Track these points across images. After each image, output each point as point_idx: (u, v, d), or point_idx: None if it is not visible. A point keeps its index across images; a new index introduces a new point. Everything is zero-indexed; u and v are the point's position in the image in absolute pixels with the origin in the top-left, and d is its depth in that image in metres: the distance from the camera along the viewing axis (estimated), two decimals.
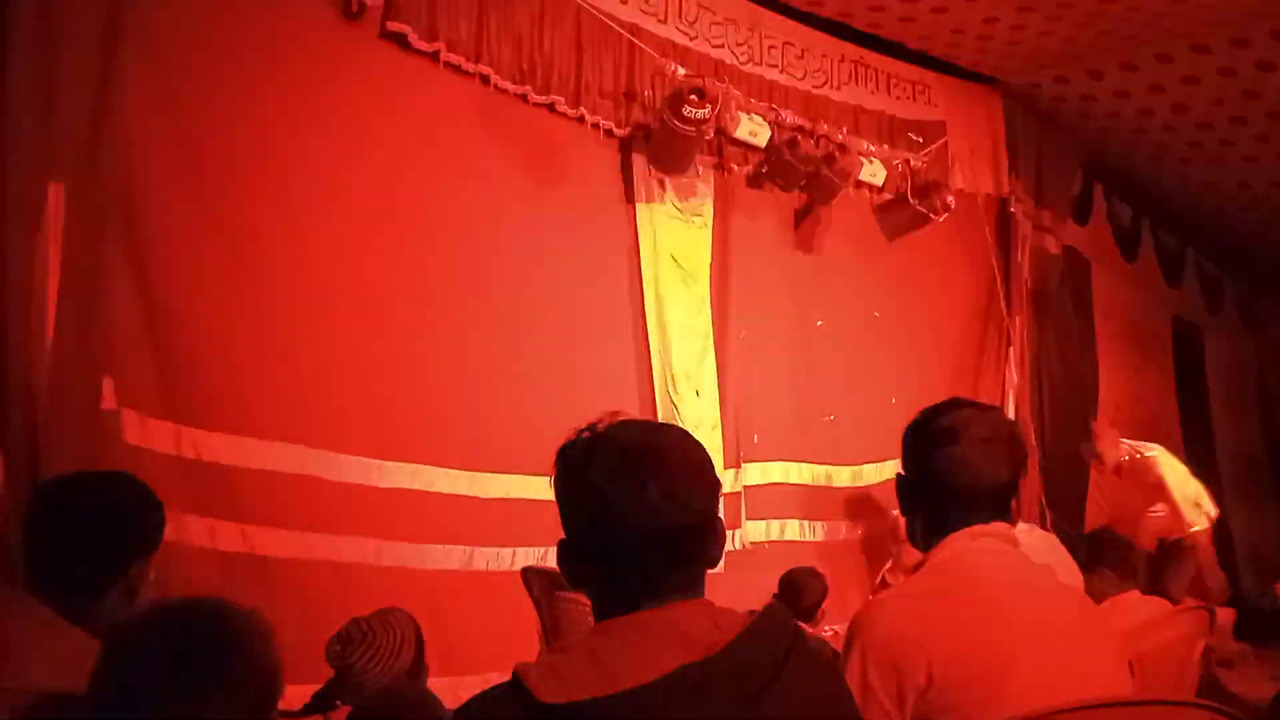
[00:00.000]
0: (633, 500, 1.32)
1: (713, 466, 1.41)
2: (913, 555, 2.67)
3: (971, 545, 1.86)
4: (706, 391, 5.64)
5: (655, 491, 1.32)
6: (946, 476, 1.88)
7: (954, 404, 1.98)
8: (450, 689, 4.13)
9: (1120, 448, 6.84)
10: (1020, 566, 1.87)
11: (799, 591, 4.63)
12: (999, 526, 1.88)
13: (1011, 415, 6.94)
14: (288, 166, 4.18)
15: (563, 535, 1.40)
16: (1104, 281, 8.50)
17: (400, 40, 4.45)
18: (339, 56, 4.35)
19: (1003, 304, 7.16)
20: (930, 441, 1.93)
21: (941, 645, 1.69)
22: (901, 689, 1.68)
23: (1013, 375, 7.22)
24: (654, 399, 5.42)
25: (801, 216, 6.23)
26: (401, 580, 4.26)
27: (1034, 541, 2.72)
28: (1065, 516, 6.93)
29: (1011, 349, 7.23)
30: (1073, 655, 1.75)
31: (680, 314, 5.58)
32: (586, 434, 1.40)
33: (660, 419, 5.15)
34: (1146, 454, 6.75)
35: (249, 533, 3.95)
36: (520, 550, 4.63)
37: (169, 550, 2.17)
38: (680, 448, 1.38)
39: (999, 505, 1.90)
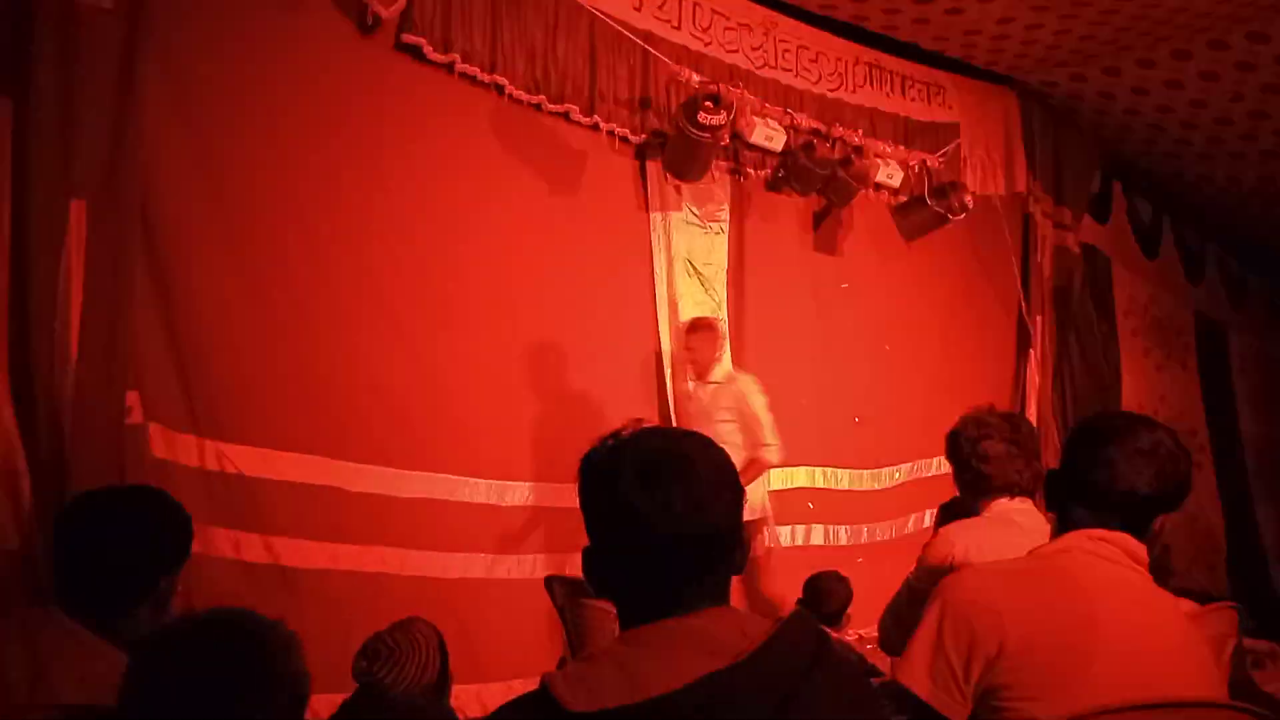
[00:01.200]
0: (658, 508, 1.32)
1: (736, 473, 1.41)
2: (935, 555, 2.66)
3: (1085, 545, 1.83)
4: None
5: (680, 499, 1.32)
6: (1086, 475, 1.86)
7: (1127, 414, 2.00)
8: (475, 697, 4.16)
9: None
10: (1130, 579, 1.82)
11: (823, 596, 4.62)
12: (1123, 537, 1.83)
13: (1033, 415, 6.90)
14: (306, 180, 4.22)
15: (587, 543, 1.40)
16: (1125, 279, 8.44)
17: (415, 52, 4.47)
18: (355, 70, 4.38)
19: (1023, 304, 7.12)
20: (1084, 439, 1.91)
21: (1021, 621, 1.70)
22: (972, 653, 1.70)
23: (1034, 375, 7.18)
24: (668, 404, 5.42)
25: (819, 220, 6.22)
26: (424, 589, 4.27)
27: (1038, 525, 2.72)
28: None
29: (1032, 349, 7.20)
30: (1156, 659, 1.73)
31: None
32: (611, 442, 1.40)
33: (678, 425, 5.15)
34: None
35: (272, 544, 3.98)
36: (542, 558, 4.64)
37: (194, 562, 2.19)
38: (704, 455, 1.38)
39: (1133, 517, 1.85)
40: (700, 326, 5.09)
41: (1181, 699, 1.67)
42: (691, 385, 5.10)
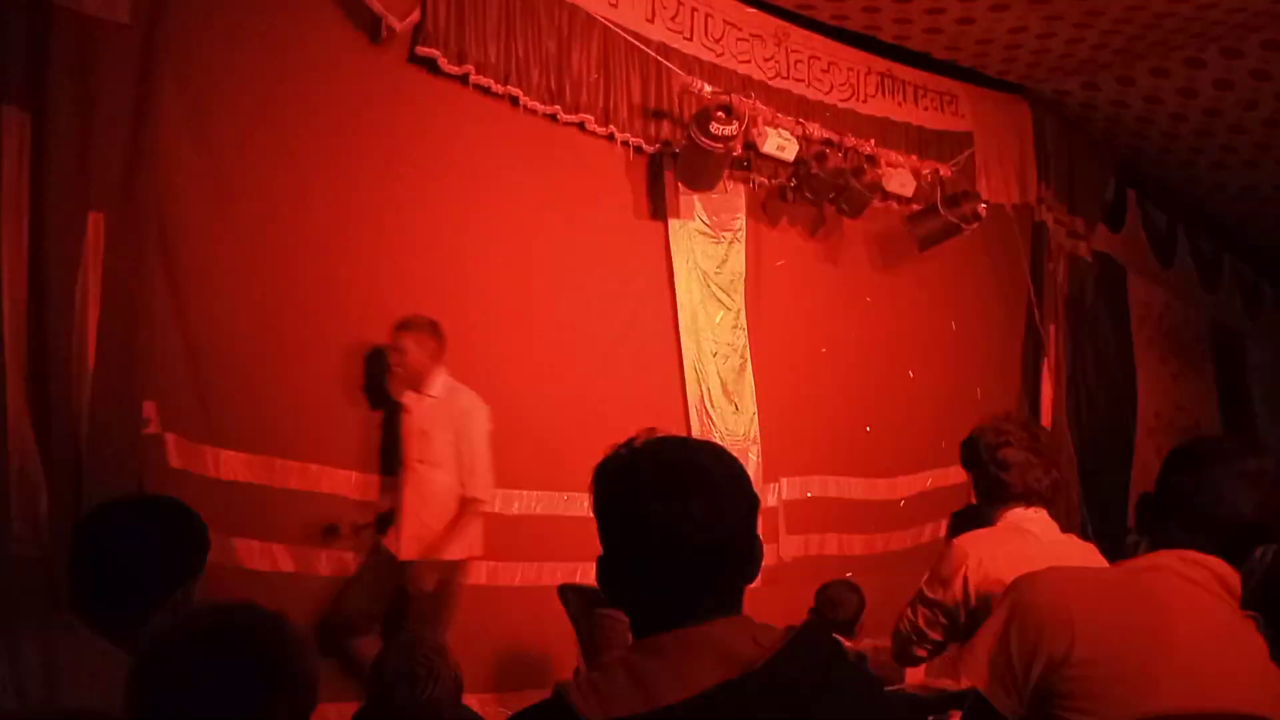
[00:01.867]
0: (676, 517, 1.32)
1: (750, 482, 1.41)
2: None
3: (1177, 566, 1.76)
4: (745, 406, 5.64)
5: (698, 508, 1.32)
6: (1187, 497, 1.81)
7: (1232, 437, 1.98)
8: (489, 706, 4.16)
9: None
10: (1216, 607, 1.74)
11: (836, 606, 4.61)
12: (1218, 562, 1.76)
13: (1046, 424, 6.87)
14: (321, 192, 4.25)
15: (601, 551, 1.41)
16: (1140, 287, 8.41)
17: (430, 64, 4.50)
18: (369, 82, 4.41)
19: (1036, 312, 7.10)
20: (1186, 461, 1.86)
21: (1093, 630, 1.67)
22: (1036, 653, 1.68)
23: (1047, 384, 7.16)
24: (687, 414, 5.42)
25: (831, 230, 6.22)
26: None
27: (1054, 534, 2.70)
28: (1106, 525, 6.85)
29: (1045, 358, 7.17)
30: (1227, 683, 1.68)
31: (714, 329, 5.60)
32: (625, 451, 1.40)
33: (696, 435, 5.15)
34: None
35: (286, 553, 4.00)
36: (546, 565, 4.64)
37: (210, 571, 2.20)
38: (720, 464, 1.39)
39: (1232, 543, 1.78)
40: (414, 325, 4.14)
41: (1239, 711, 1.65)
42: (408, 398, 4.19)
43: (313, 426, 4.17)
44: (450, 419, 4.12)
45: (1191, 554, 1.76)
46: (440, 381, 4.17)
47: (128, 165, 3.60)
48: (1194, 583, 1.74)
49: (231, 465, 3.91)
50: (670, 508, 1.32)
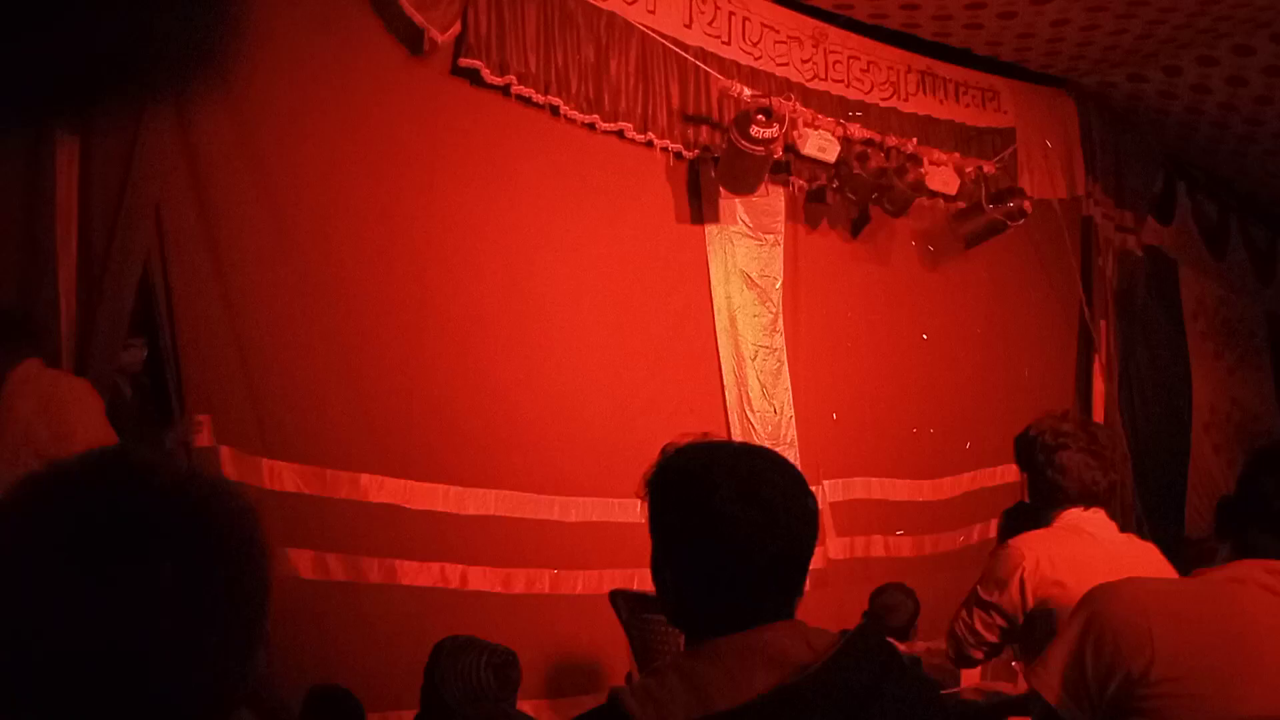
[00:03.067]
0: (757, 523, 1.32)
1: (810, 491, 1.41)
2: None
3: (1261, 578, 1.69)
4: (782, 408, 5.62)
5: (776, 514, 1.33)
6: (1268, 502, 1.74)
7: None
8: (544, 713, 4.18)
9: None
10: None
11: (891, 610, 4.56)
12: None
13: (1101, 422, 6.77)
14: (367, 205, 4.30)
15: (651, 557, 1.41)
16: (1192, 281, 8.25)
17: (473, 76, 4.54)
18: (411, 94, 4.46)
19: (1085, 309, 7.00)
20: (1267, 464, 1.79)
21: (1174, 646, 1.62)
22: (1112, 668, 1.63)
23: (1099, 381, 7.05)
24: (727, 418, 5.41)
25: (875, 230, 6.18)
26: (487, 605, 4.32)
27: (1112, 535, 2.64)
28: (1162, 524, 6.72)
29: (1096, 354, 7.06)
30: None
31: (754, 332, 5.58)
32: (689, 454, 1.40)
33: (736, 438, 5.14)
34: None
35: (337, 562, 4.05)
36: (606, 573, 4.65)
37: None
38: (786, 471, 1.39)
39: None
40: None
41: None
42: None
43: (365, 436, 4.22)
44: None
45: (1277, 564, 1.70)
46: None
47: (178, 184, 3.68)
48: (1277, 594, 1.68)
49: (279, 474, 3.97)
50: (754, 515, 1.32)
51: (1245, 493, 1.80)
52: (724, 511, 1.32)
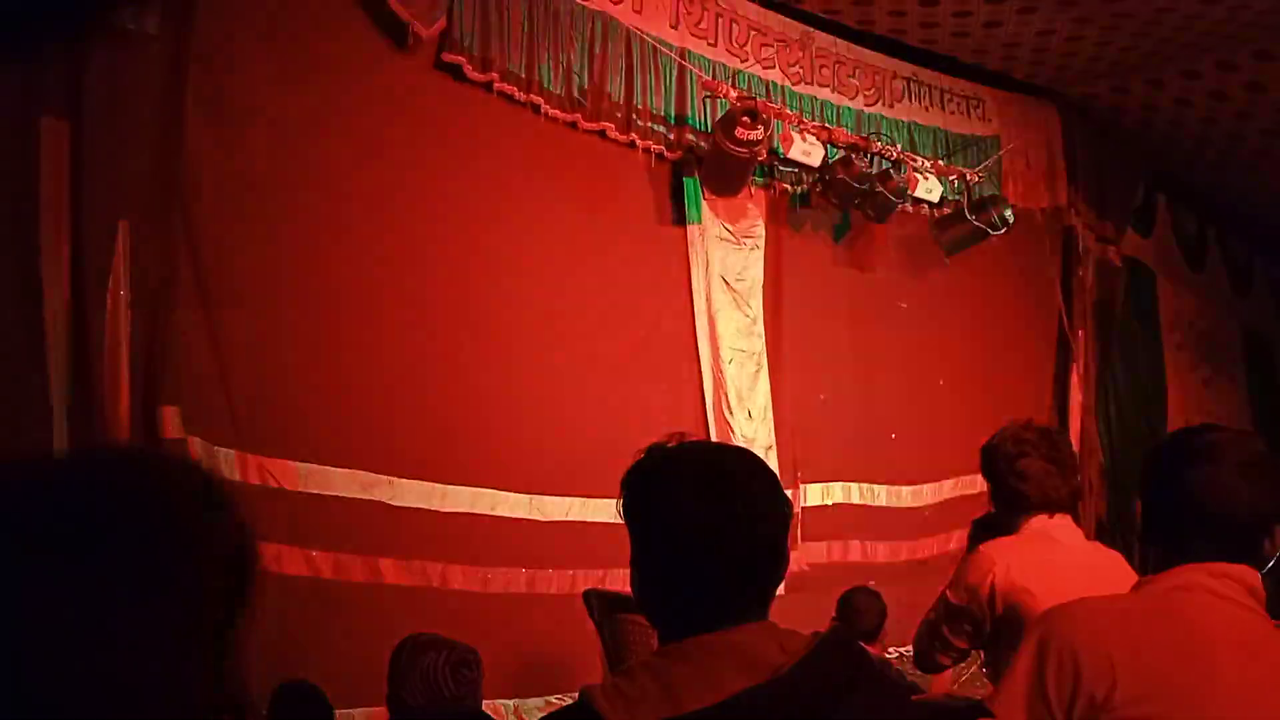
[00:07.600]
0: (716, 521, 1.31)
1: (783, 490, 1.41)
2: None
3: (1206, 583, 1.64)
4: (759, 413, 5.62)
5: (738, 513, 1.32)
6: (1198, 501, 1.67)
7: (1209, 426, 1.81)
8: (514, 712, 4.16)
9: None
10: (1253, 624, 1.65)
11: (858, 613, 4.57)
12: (1245, 571, 1.65)
13: (1076, 431, 6.81)
14: (347, 198, 4.28)
15: (628, 557, 1.40)
16: (1170, 292, 8.33)
17: (455, 71, 4.52)
18: (394, 89, 4.44)
19: (1064, 318, 7.04)
20: (1182, 461, 1.71)
21: (1134, 668, 1.58)
22: (1076, 693, 1.59)
23: (1076, 390, 7.09)
24: (706, 420, 5.41)
25: (856, 235, 6.20)
26: (464, 603, 4.29)
27: (1079, 542, 2.66)
28: (1133, 532, 6.76)
29: (1074, 364, 7.11)
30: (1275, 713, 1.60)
31: (732, 336, 5.58)
32: (660, 454, 1.39)
33: (715, 440, 5.14)
34: None
35: (313, 558, 4.02)
36: (580, 572, 4.64)
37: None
38: (755, 468, 1.39)
39: (1250, 543, 1.67)
40: None
41: None
42: None
43: (344, 430, 4.19)
44: None
45: (1220, 566, 1.65)
46: None
47: (156, 174, 3.65)
48: (1226, 599, 1.64)
49: (258, 469, 3.93)
50: (711, 511, 1.32)
51: (1167, 492, 1.73)
52: (694, 511, 1.32)
